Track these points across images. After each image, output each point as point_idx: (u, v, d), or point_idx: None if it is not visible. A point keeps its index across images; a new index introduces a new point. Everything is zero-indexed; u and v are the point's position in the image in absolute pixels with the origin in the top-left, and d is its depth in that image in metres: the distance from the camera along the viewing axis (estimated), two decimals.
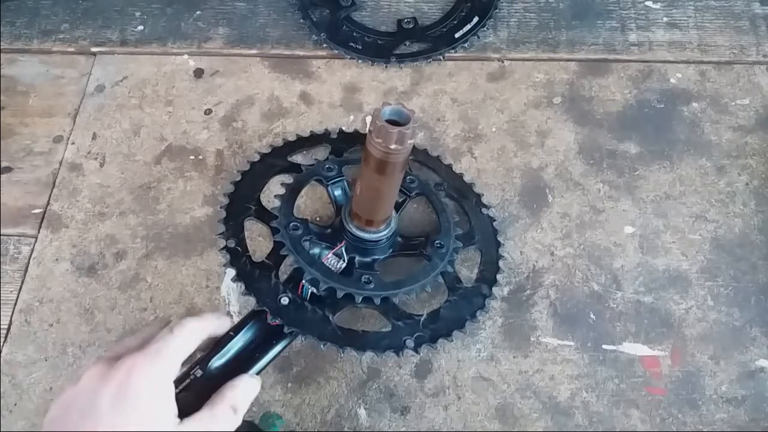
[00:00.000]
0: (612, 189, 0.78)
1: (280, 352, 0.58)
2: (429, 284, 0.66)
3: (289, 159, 0.77)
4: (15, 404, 0.69)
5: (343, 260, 0.65)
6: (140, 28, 0.93)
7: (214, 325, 0.56)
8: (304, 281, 0.62)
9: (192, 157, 0.82)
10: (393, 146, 0.54)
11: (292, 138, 0.80)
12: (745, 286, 0.72)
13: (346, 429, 0.67)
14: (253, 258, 0.65)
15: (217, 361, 0.54)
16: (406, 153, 0.55)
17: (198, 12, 0.94)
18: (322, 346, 0.60)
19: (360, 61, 0.88)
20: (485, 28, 0.89)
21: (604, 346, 0.70)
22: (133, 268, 0.75)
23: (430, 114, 0.84)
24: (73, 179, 0.81)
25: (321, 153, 0.79)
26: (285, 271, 0.65)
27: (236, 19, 0.93)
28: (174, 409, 0.49)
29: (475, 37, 0.88)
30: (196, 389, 0.52)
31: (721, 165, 0.79)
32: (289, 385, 0.69)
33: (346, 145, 0.77)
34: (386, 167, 0.56)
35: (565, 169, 0.80)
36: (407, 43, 0.89)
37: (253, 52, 0.90)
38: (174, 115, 0.86)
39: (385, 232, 0.66)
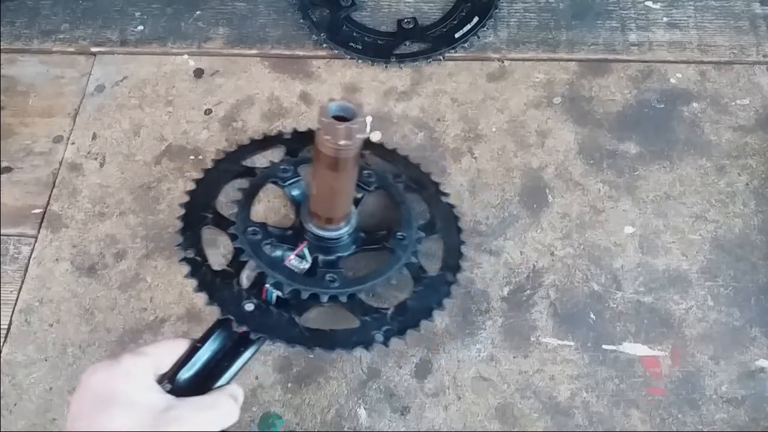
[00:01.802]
0: (612, 189, 0.78)
1: (249, 358, 0.58)
2: (394, 277, 0.65)
3: (243, 163, 0.75)
4: (15, 404, 0.69)
5: (307, 261, 0.64)
6: (140, 28, 0.93)
7: (181, 347, 0.55)
8: (267, 285, 0.61)
9: (192, 157, 0.82)
10: (342, 142, 0.53)
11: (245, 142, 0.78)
12: (745, 286, 0.72)
13: (346, 429, 0.67)
14: (213, 267, 0.63)
15: (185, 374, 0.54)
16: (356, 148, 0.55)
17: (198, 12, 0.94)
18: (290, 348, 0.59)
19: (360, 61, 0.88)
20: (485, 28, 0.89)
21: (604, 346, 0.70)
22: (133, 268, 0.75)
23: (430, 114, 0.84)
24: (73, 179, 0.81)
25: (277, 155, 0.77)
26: (249, 277, 0.64)
27: (236, 19, 0.93)
28: (155, 385, 0.50)
29: (475, 37, 0.88)
30: None
31: (721, 165, 0.79)
32: (289, 385, 0.69)
33: (300, 144, 0.76)
34: (338, 164, 0.56)
35: (565, 169, 0.80)
36: (407, 43, 0.89)
37: (253, 52, 0.90)
38: (174, 115, 0.86)
39: (346, 229, 0.65)
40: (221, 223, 0.67)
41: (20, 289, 0.75)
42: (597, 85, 0.85)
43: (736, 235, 0.75)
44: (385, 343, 0.62)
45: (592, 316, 0.71)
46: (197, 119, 0.85)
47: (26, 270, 0.76)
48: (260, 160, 0.75)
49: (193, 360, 0.54)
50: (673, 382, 0.68)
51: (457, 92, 0.86)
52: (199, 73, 0.89)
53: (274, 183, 0.70)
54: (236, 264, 0.63)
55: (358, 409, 0.68)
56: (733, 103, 0.83)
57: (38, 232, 0.78)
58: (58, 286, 0.75)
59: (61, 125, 0.86)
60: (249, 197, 0.68)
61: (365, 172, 0.71)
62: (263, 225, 0.65)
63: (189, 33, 0.92)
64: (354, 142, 0.54)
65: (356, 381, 0.69)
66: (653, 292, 0.72)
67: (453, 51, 0.88)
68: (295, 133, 0.78)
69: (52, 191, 0.81)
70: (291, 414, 0.67)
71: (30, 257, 0.77)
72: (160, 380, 0.52)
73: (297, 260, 0.63)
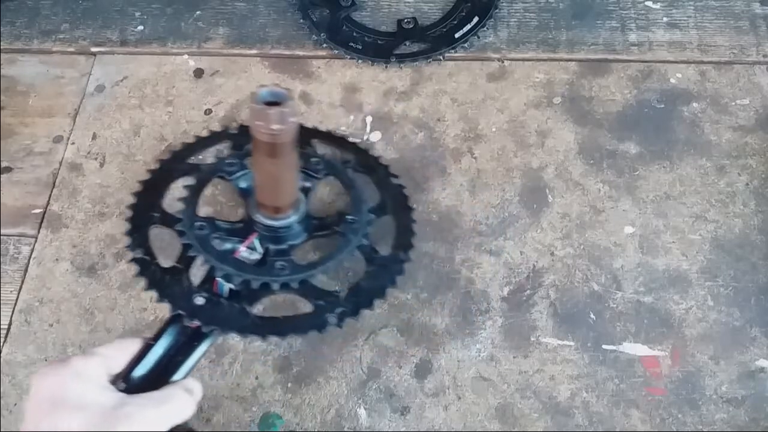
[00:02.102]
0: (612, 189, 0.78)
1: (205, 352, 0.58)
2: (345, 260, 0.65)
3: (189, 161, 0.75)
4: (15, 404, 0.69)
5: (258, 252, 0.64)
6: (140, 28, 0.93)
7: (134, 346, 0.55)
8: (218, 278, 0.61)
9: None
10: (275, 127, 0.53)
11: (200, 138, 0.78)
12: (745, 286, 0.72)
13: (346, 429, 0.67)
14: (162, 264, 0.64)
15: (139, 371, 0.53)
16: (291, 132, 0.55)
17: (198, 12, 0.94)
18: (243, 338, 0.60)
19: (360, 61, 0.88)
20: (485, 28, 0.89)
21: (604, 346, 0.70)
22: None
23: (430, 114, 0.84)
24: (73, 179, 0.81)
25: (225, 150, 0.77)
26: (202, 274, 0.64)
27: (236, 19, 0.93)
28: (107, 384, 0.49)
29: (475, 37, 0.88)
30: None
31: (721, 165, 0.79)
32: (289, 385, 0.69)
33: (247, 138, 0.76)
34: (276, 149, 0.56)
35: (565, 169, 0.80)
36: (407, 43, 0.89)
37: (253, 52, 0.90)
38: (174, 115, 0.86)
39: (295, 217, 0.65)
40: (168, 221, 0.67)
41: (20, 289, 0.75)
42: (597, 85, 0.85)
43: (736, 235, 0.75)
44: (339, 324, 0.62)
45: (592, 316, 0.71)
46: (197, 119, 0.85)
47: (26, 270, 0.76)
48: (208, 157, 0.76)
49: (147, 358, 0.54)
50: (673, 382, 0.68)
51: (457, 92, 0.86)
52: (199, 73, 0.89)
53: (221, 177, 0.70)
54: (186, 260, 0.64)
55: (358, 409, 0.68)
56: (733, 103, 0.83)
57: (38, 232, 0.78)
58: (58, 286, 0.75)
59: (61, 125, 0.86)
60: (195, 193, 0.68)
61: (313, 159, 0.71)
62: (211, 219, 0.65)
63: (189, 33, 0.92)
64: (287, 126, 0.54)
65: (356, 381, 0.69)
66: (653, 292, 0.72)
67: (453, 51, 0.88)
68: (242, 127, 0.78)
69: (52, 191, 0.81)
70: (291, 414, 0.67)
71: (30, 257, 0.77)
72: (114, 380, 0.52)
73: (247, 252, 0.64)
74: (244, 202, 0.69)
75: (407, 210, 0.73)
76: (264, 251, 0.64)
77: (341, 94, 0.86)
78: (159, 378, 0.54)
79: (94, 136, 0.84)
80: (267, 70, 0.89)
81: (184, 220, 0.64)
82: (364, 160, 0.77)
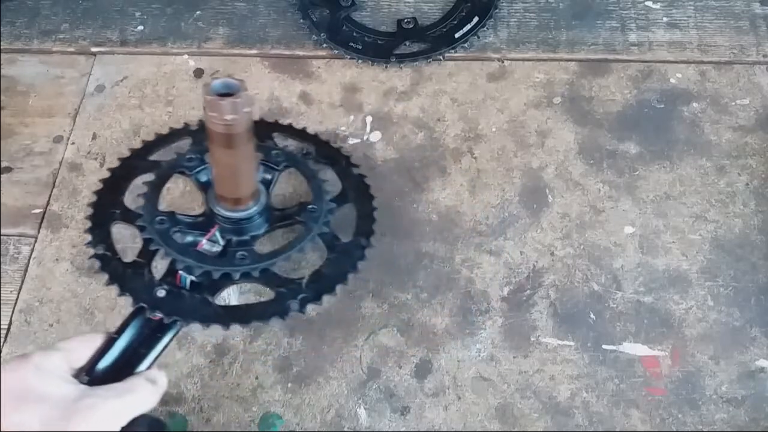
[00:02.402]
0: (612, 189, 0.78)
1: (168, 343, 0.59)
2: (306, 247, 0.66)
3: (150, 158, 0.76)
4: None
5: (219, 244, 0.65)
6: (140, 28, 0.93)
7: (96, 340, 0.55)
8: (179, 271, 0.62)
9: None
10: (228, 117, 0.54)
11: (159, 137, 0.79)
12: (745, 286, 0.72)
13: (346, 429, 0.67)
14: (123, 260, 0.65)
15: (102, 364, 0.54)
16: (245, 122, 0.56)
17: (198, 12, 0.94)
18: (205, 327, 0.61)
19: (360, 61, 0.88)
20: (485, 28, 0.89)
21: (604, 346, 0.70)
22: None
23: (430, 114, 0.84)
24: (73, 179, 0.81)
25: (186, 146, 0.77)
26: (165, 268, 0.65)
27: (236, 19, 0.93)
28: (69, 377, 0.50)
29: (475, 37, 0.88)
30: None
31: (721, 165, 0.79)
32: (289, 385, 0.69)
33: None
34: (231, 140, 0.57)
35: (565, 169, 0.80)
36: (407, 43, 0.89)
37: (253, 52, 0.90)
38: (174, 115, 0.86)
39: (255, 209, 0.66)
40: (130, 217, 0.68)
41: (20, 289, 0.75)
42: (597, 85, 0.85)
43: (736, 235, 0.75)
44: (301, 310, 0.63)
45: (592, 316, 0.71)
46: (197, 119, 0.85)
47: (26, 270, 0.76)
48: (169, 154, 0.76)
49: (111, 351, 0.55)
50: (673, 382, 0.68)
51: (457, 92, 0.86)
52: (199, 73, 0.89)
53: (182, 173, 0.71)
54: (148, 254, 0.65)
55: (358, 409, 0.68)
56: (733, 103, 0.83)
57: (38, 232, 0.78)
58: (58, 286, 0.75)
59: (61, 125, 0.86)
60: (155, 189, 0.69)
61: (273, 152, 0.72)
62: (171, 214, 0.66)
63: (189, 33, 0.92)
64: (241, 116, 0.55)
65: (356, 381, 0.69)
66: (653, 292, 0.72)
67: (453, 51, 0.88)
68: (202, 123, 0.78)
69: (52, 191, 0.81)
70: (291, 414, 0.67)
71: (30, 257, 0.77)
72: (78, 374, 0.52)
73: (209, 244, 0.65)
74: (204, 196, 0.69)
75: (368, 198, 0.74)
76: (226, 243, 0.65)
77: (341, 94, 0.86)
78: (122, 370, 0.54)
79: (94, 136, 0.84)
80: (267, 70, 0.89)
81: (145, 215, 0.66)
82: (326, 151, 0.77)
